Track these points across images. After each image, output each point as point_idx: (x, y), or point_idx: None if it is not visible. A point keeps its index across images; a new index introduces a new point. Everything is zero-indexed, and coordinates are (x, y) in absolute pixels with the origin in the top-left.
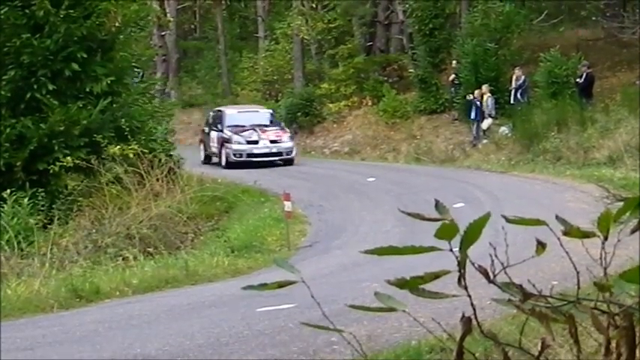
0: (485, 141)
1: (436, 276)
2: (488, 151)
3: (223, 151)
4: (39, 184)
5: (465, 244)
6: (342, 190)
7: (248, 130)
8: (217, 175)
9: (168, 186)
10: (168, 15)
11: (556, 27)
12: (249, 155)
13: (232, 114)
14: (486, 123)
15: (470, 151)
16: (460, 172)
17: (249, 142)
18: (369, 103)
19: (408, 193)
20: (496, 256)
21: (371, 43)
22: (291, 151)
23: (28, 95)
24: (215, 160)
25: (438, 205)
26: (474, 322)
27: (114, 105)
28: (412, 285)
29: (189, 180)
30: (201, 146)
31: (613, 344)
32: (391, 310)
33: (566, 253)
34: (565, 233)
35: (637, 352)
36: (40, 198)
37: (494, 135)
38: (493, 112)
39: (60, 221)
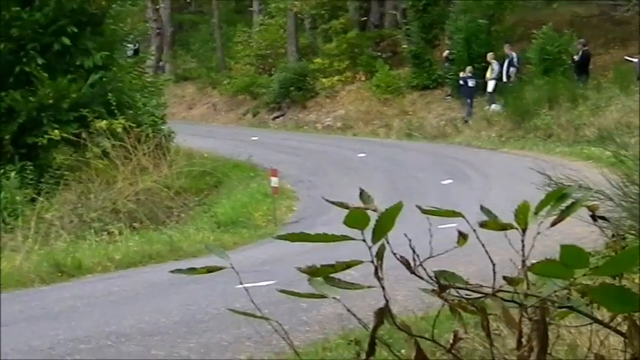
0: (493, 105)
1: (347, 265)
2: (479, 128)
3: None
4: (28, 158)
5: (378, 233)
6: (332, 166)
7: None
8: (208, 149)
9: (155, 161)
10: None
11: (549, 3)
12: None
13: None
14: (491, 85)
15: (461, 128)
16: (451, 149)
17: None
18: (362, 79)
19: (398, 169)
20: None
21: (365, 18)
22: None
23: (18, 69)
24: None
25: (362, 194)
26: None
27: (104, 79)
28: (323, 273)
29: (177, 154)
30: None
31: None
32: (322, 296)
33: (482, 245)
34: (482, 225)
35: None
36: (28, 172)
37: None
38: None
39: (47, 195)
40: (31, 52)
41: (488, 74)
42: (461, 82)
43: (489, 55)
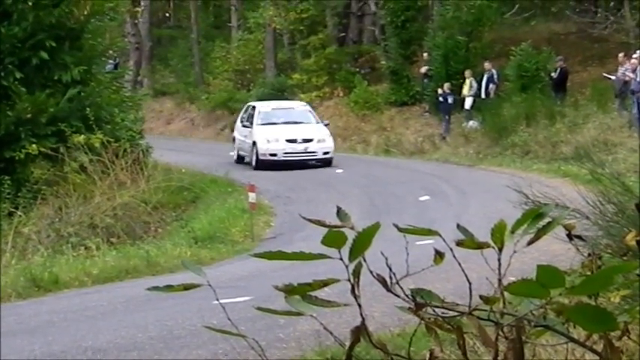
0: (471, 122)
1: (324, 284)
2: (457, 144)
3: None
4: (5, 172)
5: (355, 252)
6: (309, 182)
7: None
8: (185, 164)
9: (133, 175)
10: (142, 3)
11: (528, 21)
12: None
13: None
14: (469, 102)
15: (439, 144)
16: (428, 165)
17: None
18: (341, 94)
19: (376, 185)
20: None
21: (343, 34)
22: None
23: None
24: (248, 160)
25: (339, 213)
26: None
27: (82, 94)
28: (300, 292)
29: (155, 169)
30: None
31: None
32: (299, 314)
33: (459, 264)
34: (458, 244)
35: None
36: (6, 186)
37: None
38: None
39: (25, 209)
40: (9, 66)
41: (465, 91)
42: (439, 98)
43: (467, 73)
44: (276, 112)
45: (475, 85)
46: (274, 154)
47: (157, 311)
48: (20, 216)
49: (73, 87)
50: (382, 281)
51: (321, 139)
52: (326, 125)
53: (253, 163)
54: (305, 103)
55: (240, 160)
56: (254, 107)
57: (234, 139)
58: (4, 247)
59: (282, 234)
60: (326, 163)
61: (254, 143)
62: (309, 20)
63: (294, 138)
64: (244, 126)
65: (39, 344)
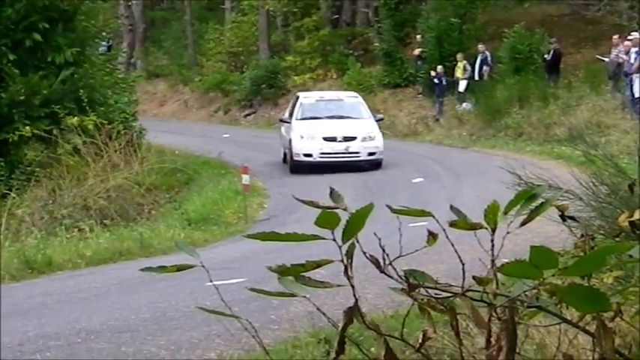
0: (464, 104)
1: (318, 265)
2: (450, 126)
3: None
4: None
5: (349, 233)
6: None
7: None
8: (179, 146)
9: (126, 157)
10: None
11: (521, 3)
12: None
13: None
14: (462, 85)
15: (432, 126)
16: (422, 147)
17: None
18: (334, 76)
19: None
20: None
21: (337, 16)
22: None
23: None
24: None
25: (332, 193)
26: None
27: (75, 76)
28: (293, 273)
29: (148, 151)
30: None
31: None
32: (292, 295)
33: (452, 245)
34: (452, 225)
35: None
36: None
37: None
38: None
39: (18, 191)
40: (2, 48)
41: (458, 74)
42: (433, 80)
43: (459, 56)
44: (320, 104)
45: (469, 67)
46: (309, 155)
47: (151, 293)
48: (14, 198)
49: (66, 69)
50: (375, 262)
51: (366, 137)
52: (379, 121)
53: (288, 164)
54: (356, 95)
55: (286, 159)
56: (297, 97)
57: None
58: None
59: (276, 216)
60: (373, 165)
61: (289, 141)
62: (302, 2)
63: (333, 136)
64: (284, 121)
65: (32, 326)
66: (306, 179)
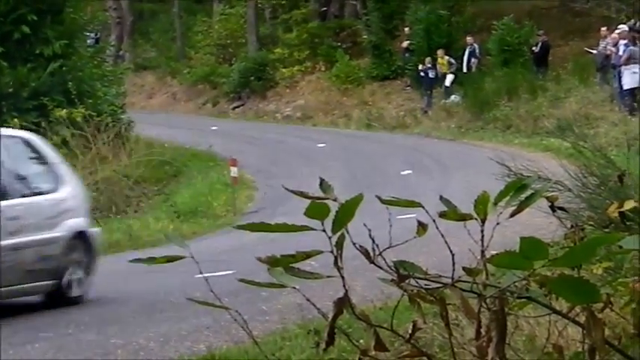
0: (453, 96)
1: (307, 255)
2: (438, 119)
3: None
4: None
5: (339, 224)
6: (291, 156)
7: None
8: (168, 138)
9: (114, 150)
10: None
11: None
12: None
13: None
14: (449, 79)
15: (421, 118)
16: (410, 139)
17: None
18: (322, 69)
19: (358, 159)
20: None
21: (325, 9)
22: None
23: None
24: None
25: (322, 184)
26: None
27: (64, 68)
28: (283, 264)
29: (137, 144)
30: None
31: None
32: (282, 286)
33: (442, 236)
34: (441, 215)
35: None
36: None
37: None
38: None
39: None
40: None
41: (444, 69)
42: (421, 73)
43: (439, 52)
44: None
45: (453, 61)
46: None
47: (139, 285)
48: None
49: (54, 61)
50: (365, 253)
51: None
52: None
53: None
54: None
55: None
56: None
57: None
58: None
59: (265, 208)
60: None
61: None
62: None
63: None
64: None
65: (22, 318)
66: (293, 170)
